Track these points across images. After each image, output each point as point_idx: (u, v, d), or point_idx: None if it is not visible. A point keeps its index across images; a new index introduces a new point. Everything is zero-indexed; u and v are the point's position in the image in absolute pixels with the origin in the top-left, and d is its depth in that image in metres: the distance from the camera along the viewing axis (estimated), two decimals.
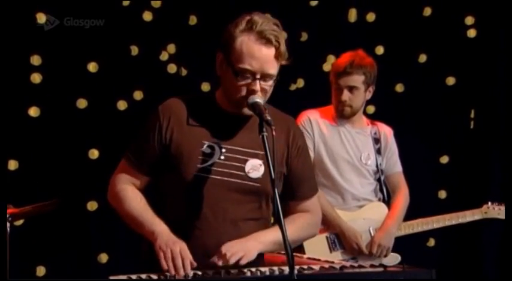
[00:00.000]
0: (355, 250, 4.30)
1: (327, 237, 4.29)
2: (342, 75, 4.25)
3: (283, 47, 2.82)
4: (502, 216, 4.67)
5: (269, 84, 2.83)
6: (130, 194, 2.91)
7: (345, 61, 4.29)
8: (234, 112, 2.89)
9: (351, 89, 4.27)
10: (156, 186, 2.97)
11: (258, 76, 2.79)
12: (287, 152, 2.97)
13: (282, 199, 2.85)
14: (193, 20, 5.18)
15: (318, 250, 4.05)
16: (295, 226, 2.95)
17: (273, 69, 2.82)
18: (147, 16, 5.09)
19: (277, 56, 2.81)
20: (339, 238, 4.31)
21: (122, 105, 5.08)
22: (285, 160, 2.97)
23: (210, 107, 2.94)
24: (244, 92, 2.80)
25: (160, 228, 2.81)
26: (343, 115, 4.33)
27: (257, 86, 2.79)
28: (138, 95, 5.11)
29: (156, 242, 2.78)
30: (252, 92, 2.79)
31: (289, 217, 2.99)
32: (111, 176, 2.99)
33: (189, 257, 2.73)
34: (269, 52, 2.79)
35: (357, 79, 4.26)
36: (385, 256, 4.35)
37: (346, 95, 4.27)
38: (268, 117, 2.68)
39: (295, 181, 3.00)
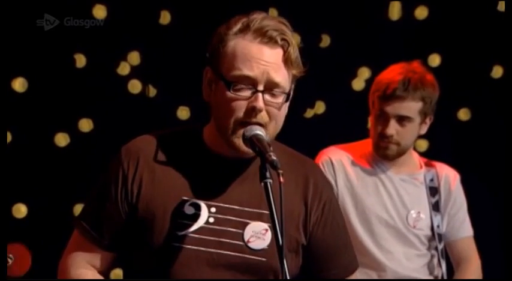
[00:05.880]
0: None
1: None
2: (390, 100, 4.07)
3: (293, 50, 2.67)
4: None
5: (278, 102, 2.66)
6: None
7: (395, 79, 4.08)
8: (228, 155, 2.74)
9: (402, 119, 4.08)
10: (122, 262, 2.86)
11: (261, 87, 2.64)
12: (305, 212, 2.81)
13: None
14: (165, 17, 5.07)
15: None
16: None
17: (281, 76, 2.65)
18: (99, 12, 4.98)
19: (286, 60, 2.66)
20: None
21: (61, 139, 5.02)
22: (303, 224, 2.81)
23: (195, 148, 2.80)
24: (241, 112, 2.64)
25: None
26: (385, 155, 4.13)
27: (260, 101, 2.63)
28: (85, 126, 5.04)
29: None
30: (252, 110, 2.63)
31: None
32: (61, 257, 2.83)
33: None
34: (274, 53, 2.66)
35: (412, 107, 4.09)
36: None
37: (393, 127, 4.08)
38: (274, 157, 2.53)
39: (322, 255, 2.85)
